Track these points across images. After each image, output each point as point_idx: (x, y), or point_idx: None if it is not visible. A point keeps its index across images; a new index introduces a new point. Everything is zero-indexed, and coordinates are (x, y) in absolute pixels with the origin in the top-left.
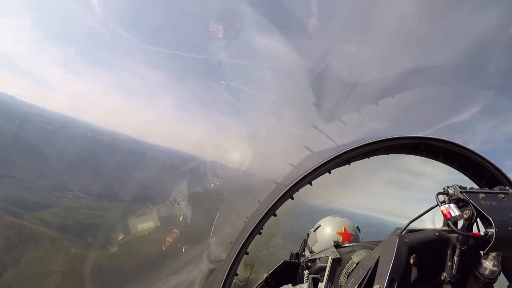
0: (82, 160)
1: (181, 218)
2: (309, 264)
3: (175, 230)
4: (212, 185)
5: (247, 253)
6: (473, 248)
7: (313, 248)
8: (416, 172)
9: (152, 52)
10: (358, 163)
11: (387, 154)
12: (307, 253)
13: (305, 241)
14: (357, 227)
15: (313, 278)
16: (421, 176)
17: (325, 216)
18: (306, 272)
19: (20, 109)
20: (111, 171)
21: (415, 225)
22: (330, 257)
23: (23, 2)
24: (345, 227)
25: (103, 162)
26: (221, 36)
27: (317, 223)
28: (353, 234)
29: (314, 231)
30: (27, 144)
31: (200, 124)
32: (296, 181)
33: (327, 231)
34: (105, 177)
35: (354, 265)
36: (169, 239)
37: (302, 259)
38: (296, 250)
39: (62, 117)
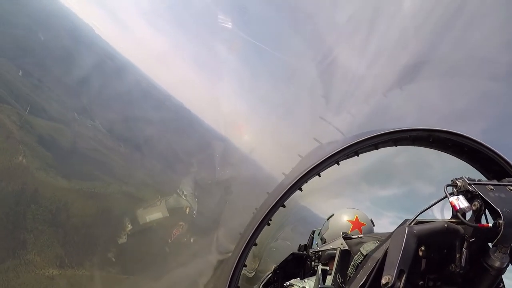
0: (119, 102)
1: (188, 210)
2: (319, 255)
3: (183, 222)
4: (221, 176)
5: (255, 244)
6: (482, 239)
7: (325, 236)
8: None
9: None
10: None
11: (396, 146)
12: (318, 240)
13: (313, 232)
14: (371, 220)
15: (322, 270)
16: None
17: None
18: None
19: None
20: (139, 124)
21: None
22: (338, 249)
23: None
24: (357, 216)
25: (136, 111)
26: (229, 27)
27: (332, 212)
28: (364, 224)
29: (328, 219)
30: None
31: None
32: (305, 172)
33: (338, 219)
34: (132, 126)
35: (363, 257)
36: (178, 230)
37: (310, 251)
38: (304, 241)
39: (129, 64)
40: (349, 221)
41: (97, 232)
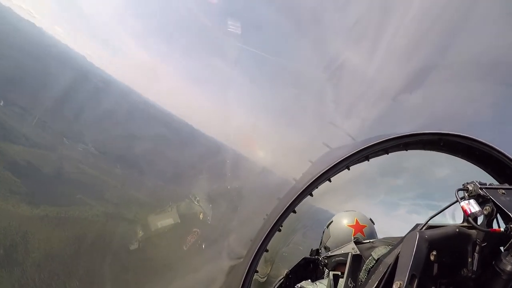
0: (117, 124)
1: (201, 216)
2: (327, 261)
3: (195, 228)
4: (231, 182)
5: (267, 250)
6: (494, 244)
7: (328, 244)
8: None
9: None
10: None
11: (406, 150)
12: (322, 250)
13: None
14: (371, 219)
15: (334, 275)
16: None
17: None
18: (327, 271)
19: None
20: (141, 143)
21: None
22: (350, 254)
23: None
24: (356, 219)
25: (136, 130)
26: (238, 32)
27: (330, 219)
28: (366, 226)
29: (327, 227)
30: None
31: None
32: (315, 177)
33: (338, 225)
34: (133, 146)
35: (374, 261)
36: (189, 237)
37: (321, 256)
38: (316, 246)
39: (125, 88)
40: (349, 225)
41: (71, 263)
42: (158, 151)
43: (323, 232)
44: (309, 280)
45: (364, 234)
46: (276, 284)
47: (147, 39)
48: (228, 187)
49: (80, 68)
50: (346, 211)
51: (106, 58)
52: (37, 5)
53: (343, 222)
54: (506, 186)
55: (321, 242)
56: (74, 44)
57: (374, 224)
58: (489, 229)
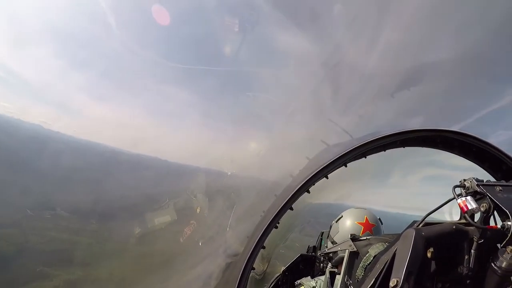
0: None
1: (198, 212)
2: (328, 256)
3: (192, 224)
4: (229, 179)
5: (263, 247)
6: (490, 241)
7: (335, 239)
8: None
9: (174, 69)
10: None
11: (404, 147)
12: (328, 243)
13: (322, 234)
14: (379, 219)
15: (330, 272)
16: None
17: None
18: (329, 265)
19: (49, 137)
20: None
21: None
22: (347, 251)
23: (41, 29)
24: (366, 217)
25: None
26: (236, 29)
27: (340, 214)
28: (374, 225)
29: (337, 222)
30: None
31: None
32: (312, 174)
33: (348, 222)
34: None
35: (371, 258)
36: (186, 233)
37: (319, 252)
38: (313, 243)
39: (89, 143)
40: (359, 223)
41: None
42: (133, 194)
43: (331, 226)
44: (309, 276)
45: (372, 233)
46: (272, 281)
47: (99, 90)
48: (225, 184)
49: (38, 136)
50: (357, 208)
51: (64, 120)
52: None
53: (353, 218)
54: (503, 183)
55: (327, 235)
56: (28, 116)
57: (382, 224)
58: (486, 226)
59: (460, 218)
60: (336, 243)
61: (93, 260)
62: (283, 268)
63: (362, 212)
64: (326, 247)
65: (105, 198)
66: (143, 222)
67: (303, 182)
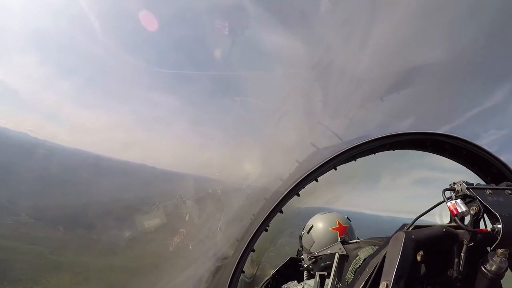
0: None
1: (187, 217)
2: (313, 264)
3: (181, 229)
4: (218, 183)
5: (253, 250)
6: (480, 244)
7: (312, 250)
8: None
9: (160, 74)
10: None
11: (393, 150)
12: (305, 256)
13: (301, 238)
14: (347, 217)
15: (320, 275)
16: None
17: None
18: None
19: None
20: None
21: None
22: (337, 254)
23: (26, 37)
24: (338, 221)
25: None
26: (223, 33)
27: (308, 224)
28: (347, 226)
29: (308, 232)
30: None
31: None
32: (302, 177)
33: (321, 230)
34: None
35: (361, 262)
36: (176, 237)
37: (308, 256)
38: None
39: (76, 151)
40: (333, 229)
41: None
42: (117, 198)
43: (301, 237)
44: (295, 281)
45: (348, 234)
46: (262, 285)
47: (86, 97)
48: (215, 187)
49: (24, 144)
50: (323, 213)
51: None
52: None
53: (325, 225)
54: (493, 186)
55: (301, 248)
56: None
57: (350, 221)
58: (476, 229)
59: (450, 221)
60: (321, 250)
61: (83, 268)
62: (273, 272)
63: (331, 216)
64: (303, 259)
65: (92, 205)
66: (132, 226)
67: (293, 185)
